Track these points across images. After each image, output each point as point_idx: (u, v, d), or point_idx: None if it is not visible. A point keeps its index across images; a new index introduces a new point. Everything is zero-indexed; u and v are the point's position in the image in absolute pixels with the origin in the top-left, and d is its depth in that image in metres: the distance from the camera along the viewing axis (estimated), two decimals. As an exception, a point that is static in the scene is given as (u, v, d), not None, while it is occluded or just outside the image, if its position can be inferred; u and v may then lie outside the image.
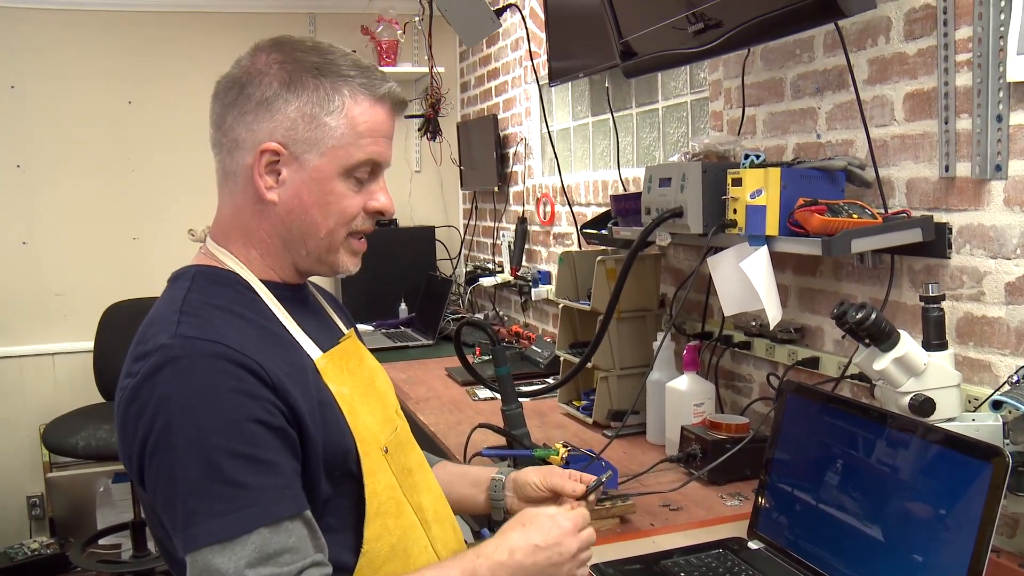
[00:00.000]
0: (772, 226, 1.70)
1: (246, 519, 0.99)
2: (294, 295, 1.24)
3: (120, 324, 3.86)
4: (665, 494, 1.79)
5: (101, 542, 3.88)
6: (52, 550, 3.84)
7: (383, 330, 4.03)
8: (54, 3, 4.01)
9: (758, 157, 1.80)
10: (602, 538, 1.59)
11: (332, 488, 1.12)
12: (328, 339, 1.24)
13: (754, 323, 2.12)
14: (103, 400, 3.81)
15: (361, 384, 1.23)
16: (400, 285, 4.27)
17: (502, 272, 3.91)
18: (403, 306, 4.23)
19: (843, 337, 1.80)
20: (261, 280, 1.19)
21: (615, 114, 2.90)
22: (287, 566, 1.00)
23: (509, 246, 3.81)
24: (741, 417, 1.95)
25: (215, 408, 1.01)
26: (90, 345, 3.92)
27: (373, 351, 1.41)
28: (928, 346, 1.43)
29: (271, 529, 1.00)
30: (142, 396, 1.04)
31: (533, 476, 1.47)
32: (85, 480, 4.01)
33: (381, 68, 4.09)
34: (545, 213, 3.47)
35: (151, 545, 3.77)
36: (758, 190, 1.72)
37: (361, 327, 3.96)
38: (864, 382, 1.75)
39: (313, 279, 1.32)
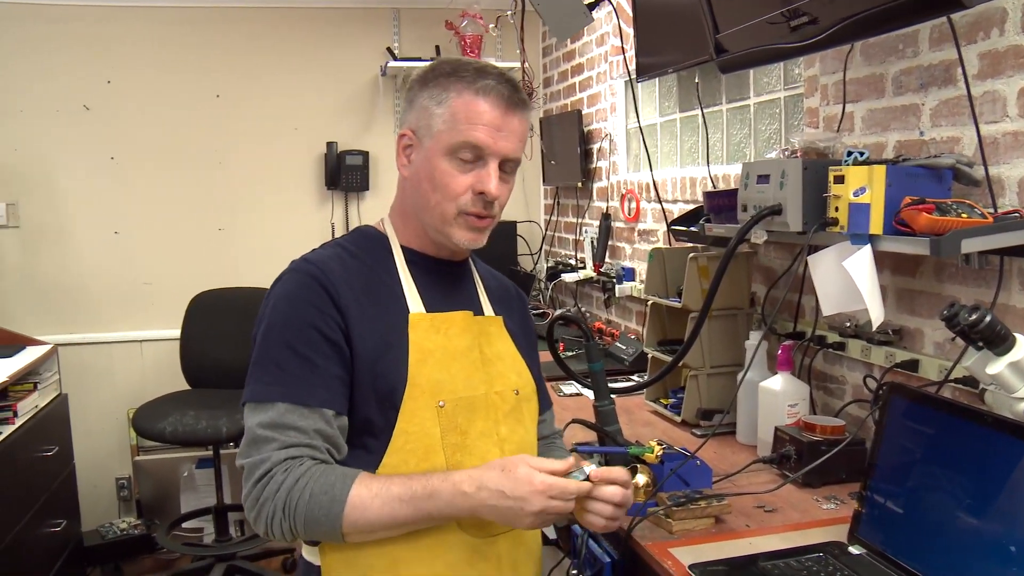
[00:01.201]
0: (876, 225, 1.67)
1: (273, 392, 1.29)
2: (427, 264, 1.46)
3: (205, 313, 3.95)
4: (760, 495, 1.77)
5: (184, 525, 3.99)
6: (139, 531, 3.96)
7: (465, 324, 4.05)
8: (148, 1, 4.13)
9: (862, 154, 1.77)
10: (697, 538, 1.59)
11: (378, 414, 1.33)
12: (446, 307, 1.45)
13: (849, 324, 2.08)
14: (188, 387, 3.92)
15: (450, 348, 1.41)
16: (481, 280, 4.28)
17: (584, 268, 3.90)
18: (484, 300, 4.24)
19: (953, 339, 1.76)
20: (402, 245, 1.46)
21: (705, 110, 2.86)
22: (288, 437, 1.27)
23: (592, 242, 3.80)
24: (836, 419, 1.91)
25: (288, 309, 1.33)
26: (177, 333, 4.03)
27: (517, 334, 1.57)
28: (1045, 351, 1.38)
29: (289, 407, 1.28)
30: (268, 292, 1.39)
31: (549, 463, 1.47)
32: (170, 464, 4.13)
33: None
34: (630, 209, 3.46)
35: (232, 530, 3.87)
36: (862, 188, 1.68)
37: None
38: (969, 386, 1.71)
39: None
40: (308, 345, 1.31)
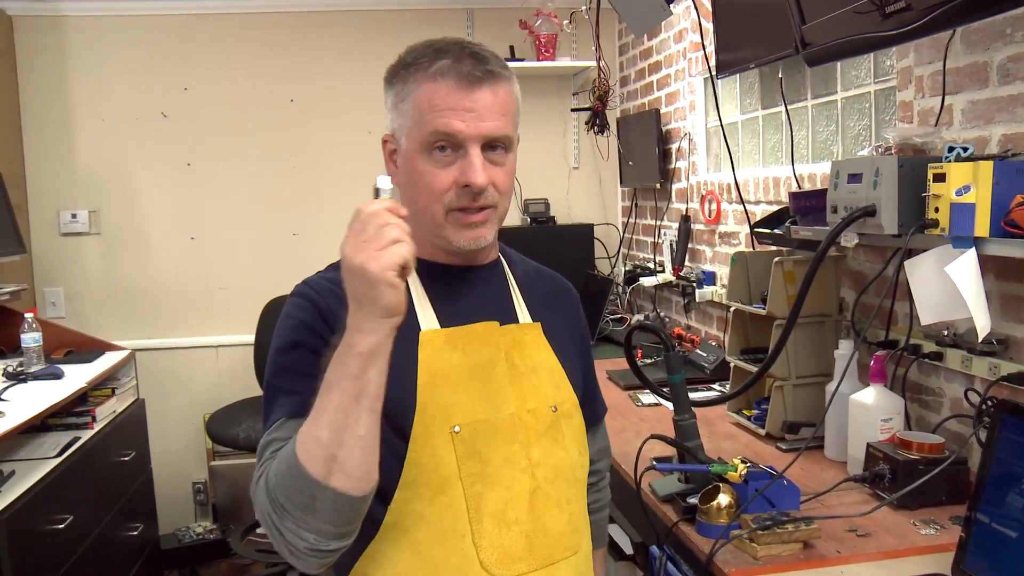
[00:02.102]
0: (981, 226, 1.54)
1: (274, 413, 1.24)
2: (441, 274, 1.34)
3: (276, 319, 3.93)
4: (852, 518, 1.65)
5: (259, 531, 3.99)
6: (215, 535, 3.99)
7: (540, 329, 3.97)
8: (223, 7, 4.17)
9: (965, 150, 1.63)
10: (784, 564, 1.48)
11: (387, 445, 1.18)
12: (467, 318, 1.32)
13: (947, 332, 1.94)
14: (263, 393, 3.92)
15: (468, 365, 1.29)
16: (558, 284, 4.19)
17: (663, 272, 3.78)
18: (560, 305, 4.16)
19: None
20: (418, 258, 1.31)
21: (789, 107, 2.73)
22: (278, 446, 1.18)
23: (671, 245, 3.68)
24: (935, 436, 1.78)
25: (284, 330, 1.28)
26: (251, 339, 4.05)
27: (559, 343, 1.43)
28: None
29: (287, 420, 1.21)
30: None
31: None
32: (246, 469, 4.13)
33: (539, 62, 4.10)
34: (710, 211, 3.33)
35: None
36: (965, 186, 1.55)
37: (519, 326, 3.88)
38: (1088, 403, 1.56)
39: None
40: (303, 364, 1.24)
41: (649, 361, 3.17)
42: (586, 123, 3.23)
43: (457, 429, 1.25)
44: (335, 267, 1.34)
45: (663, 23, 3.73)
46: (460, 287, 1.35)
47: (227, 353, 4.28)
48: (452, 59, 1.25)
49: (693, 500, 1.68)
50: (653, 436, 1.74)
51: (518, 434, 1.30)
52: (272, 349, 1.28)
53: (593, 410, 1.53)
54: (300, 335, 1.26)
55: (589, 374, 1.54)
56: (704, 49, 3.07)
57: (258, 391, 3.91)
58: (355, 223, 1.11)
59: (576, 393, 1.41)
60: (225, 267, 4.26)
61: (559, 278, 1.55)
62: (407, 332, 1.21)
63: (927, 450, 1.73)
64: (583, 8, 3.23)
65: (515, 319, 1.39)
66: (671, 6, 2.58)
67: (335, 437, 1.09)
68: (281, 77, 4.27)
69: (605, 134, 3.29)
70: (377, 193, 1.19)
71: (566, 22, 4.03)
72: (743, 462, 1.64)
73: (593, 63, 4.06)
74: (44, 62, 4.11)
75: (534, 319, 1.41)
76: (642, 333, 3.30)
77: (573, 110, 3.72)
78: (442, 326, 1.30)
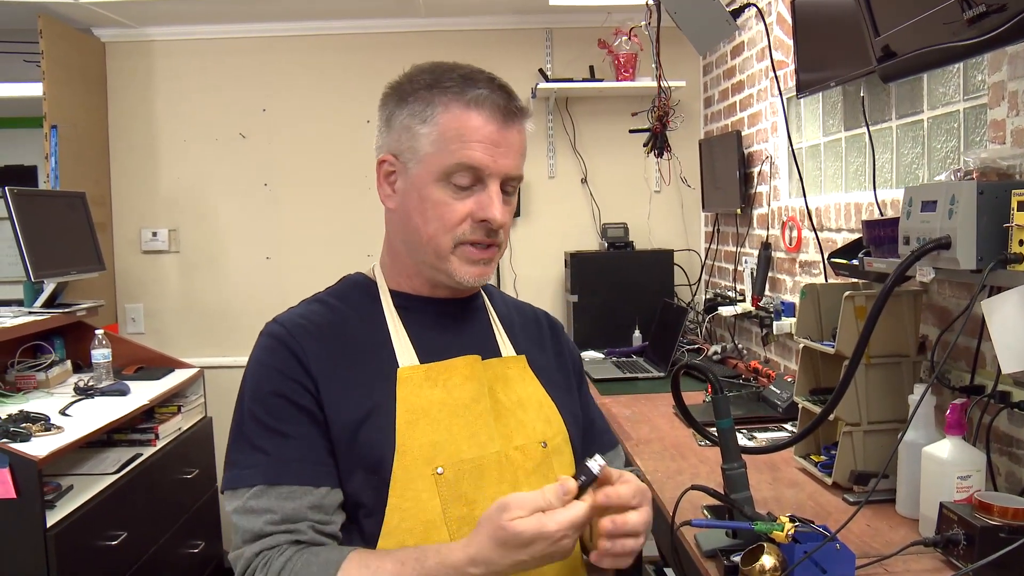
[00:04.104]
0: (1071, 263, 1.34)
1: (247, 475, 1.15)
2: (421, 306, 1.29)
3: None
4: (916, 590, 1.46)
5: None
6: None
7: (613, 358, 3.83)
8: (301, 30, 4.19)
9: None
10: (830, 642, 1.31)
11: (367, 490, 1.16)
12: (447, 353, 1.26)
13: (1041, 379, 1.72)
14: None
15: (451, 401, 1.22)
16: (635, 311, 4.05)
17: (743, 301, 3.59)
18: (637, 333, 4.02)
19: None
20: (392, 290, 1.30)
21: (871, 127, 2.53)
22: (261, 524, 1.12)
23: (751, 273, 3.50)
24: (1022, 499, 1.57)
25: (255, 379, 1.20)
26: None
27: (600, 381, 1.38)
28: None
29: (264, 488, 1.13)
30: None
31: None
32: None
33: (619, 83, 3.97)
34: (791, 239, 3.14)
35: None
36: (1052, 217, 1.36)
37: (591, 354, 3.79)
38: None
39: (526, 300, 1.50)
40: (277, 416, 1.18)
41: (732, 393, 2.98)
42: (644, 145, 3.08)
43: (440, 470, 1.18)
44: (309, 301, 1.33)
45: (746, 40, 3.58)
46: (440, 321, 1.31)
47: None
48: (487, 89, 1.21)
49: (736, 559, 1.51)
50: (694, 487, 1.59)
51: (506, 473, 1.23)
52: (244, 390, 1.23)
53: (600, 443, 1.45)
54: (274, 383, 1.20)
55: (588, 404, 1.46)
56: (781, 69, 2.90)
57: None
58: (546, 530, 1.03)
59: (570, 425, 1.34)
60: (299, 287, 4.15)
61: (539, 309, 1.51)
62: (384, 369, 1.21)
63: (1011, 516, 1.51)
64: (643, 24, 3.09)
65: (498, 353, 1.34)
66: (737, 20, 2.42)
67: None
68: (357, 98, 4.26)
69: (667, 157, 3.12)
70: (581, 474, 1.08)
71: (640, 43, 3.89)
72: (791, 520, 1.47)
73: (677, 83, 3.92)
74: (132, 86, 4.23)
75: (518, 352, 1.36)
76: (718, 365, 3.13)
77: (631, 131, 3.58)
78: (421, 362, 1.25)
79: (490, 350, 1.33)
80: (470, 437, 1.22)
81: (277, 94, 4.24)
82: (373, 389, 1.19)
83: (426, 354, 1.25)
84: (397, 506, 1.17)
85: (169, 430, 3.27)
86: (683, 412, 1.83)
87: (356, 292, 1.31)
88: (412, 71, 1.27)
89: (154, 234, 4.25)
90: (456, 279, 1.25)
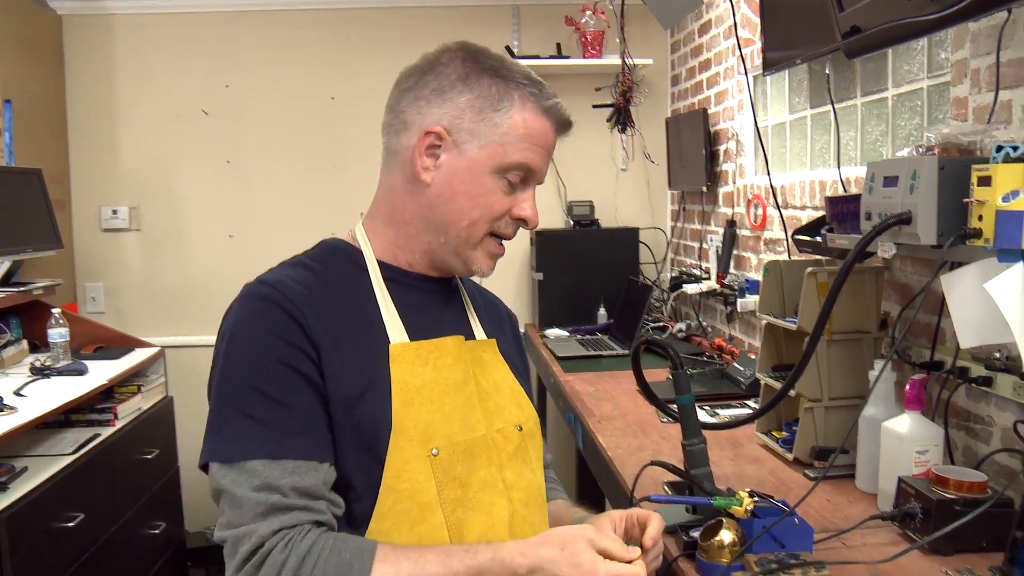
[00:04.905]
0: (1030, 238, 1.35)
1: (243, 447, 1.06)
2: (412, 282, 1.26)
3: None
4: (874, 564, 1.46)
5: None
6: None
7: (578, 336, 3.82)
8: (266, 4, 4.12)
9: (1015, 149, 1.44)
10: (788, 616, 1.31)
11: (359, 469, 1.12)
12: (433, 333, 1.23)
13: (998, 355, 1.73)
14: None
15: (441, 382, 1.20)
16: (600, 289, 4.05)
17: (708, 279, 3.60)
18: (602, 311, 4.01)
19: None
20: (380, 260, 1.24)
21: (836, 105, 2.53)
22: (273, 499, 1.04)
23: (717, 251, 3.50)
24: (977, 472, 1.58)
25: (250, 344, 1.11)
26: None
27: (564, 359, 1.39)
28: None
29: (267, 463, 1.05)
30: (222, 325, 1.18)
31: (615, 516, 1.27)
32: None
33: (585, 60, 3.96)
34: (756, 216, 3.14)
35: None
36: (1014, 192, 1.36)
37: (556, 332, 3.78)
38: None
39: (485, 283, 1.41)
40: (278, 385, 1.09)
41: (696, 370, 2.99)
42: (608, 120, 3.06)
43: (435, 452, 1.15)
44: (290, 264, 1.25)
45: (713, 18, 3.56)
46: (427, 299, 1.28)
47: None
48: (557, 100, 1.24)
49: (695, 534, 1.51)
50: (654, 463, 1.58)
51: (492, 456, 1.22)
52: (233, 357, 1.12)
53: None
54: (275, 350, 1.10)
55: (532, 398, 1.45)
56: (747, 46, 2.89)
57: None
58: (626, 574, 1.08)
59: (535, 413, 1.34)
60: (264, 265, 4.07)
61: (497, 298, 1.51)
62: (376, 344, 1.16)
63: (966, 489, 1.53)
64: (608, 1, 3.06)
65: (473, 335, 1.32)
66: (703, -6, 2.39)
67: None
68: (322, 74, 4.20)
69: (629, 132, 3.11)
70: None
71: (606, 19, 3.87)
72: (750, 495, 1.47)
73: (644, 61, 3.90)
74: (90, 60, 4.13)
75: (488, 336, 1.35)
76: (678, 343, 3.13)
77: (594, 106, 3.56)
78: (411, 339, 1.21)
79: (467, 333, 1.31)
80: (461, 419, 1.20)
81: (240, 70, 4.16)
82: (367, 364, 1.14)
83: (414, 331, 1.21)
84: (392, 487, 1.12)
85: (128, 410, 3.21)
86: (643, 388, 1.83)
87: (339, 259, 1.25)
88: (469, 52, 1.23)
89: (114, 212, 4.16)
90: (472, 267, 1.25)
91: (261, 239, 4.21)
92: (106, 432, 3.01)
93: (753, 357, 2.85)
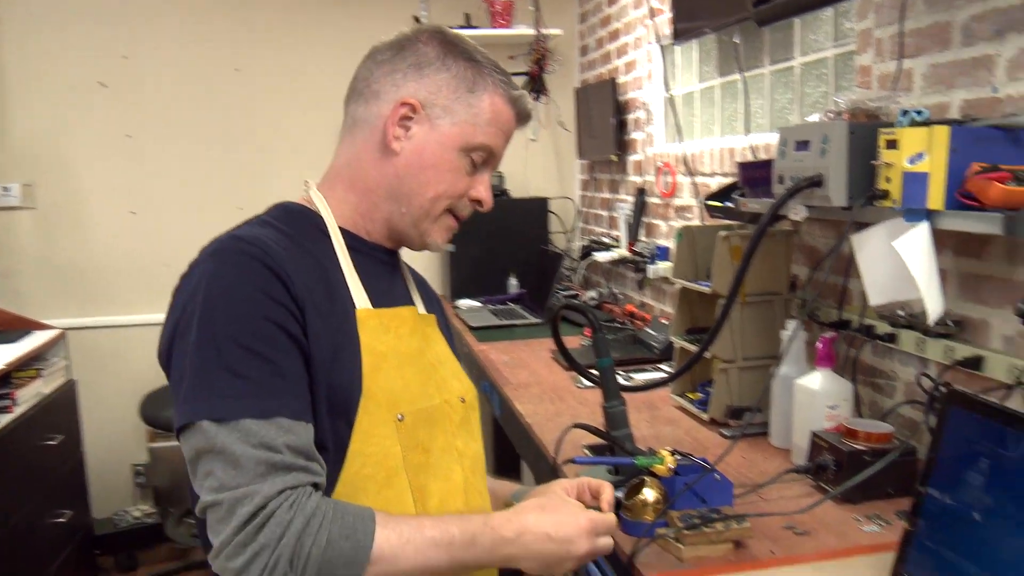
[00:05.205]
0: (936, 198, 1.40)
1: (235, 406, 1.02)
2: (369, 251, 1.27)
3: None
4: (790, 515, 1.52)
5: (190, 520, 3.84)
6: (153, 519, 3.82)
7: (490, 306, 3.82)
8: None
9: (919, 114, 1.49)
10: (714, 568, 1.35)
11: (329, 431, 1.11)
12: (389, 302, 1.25)
13: (902, 313, 1.80)
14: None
15: (403, 350, 1.21)
16: (511, 259, 4.05)
17: (618, 247, 3.64)
18: (513, 281, 4.03)
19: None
20: (340, 227, 1.24)
21: (746, 74, 2.58)
22: (275, 458, 1.01)
23: (627, 219, 3.54)
24: (884, 424, 1.65)
25: (234, 300, 1.07)
26: (196, 316, 3.86)
27: (478, 329, 1.39)
28: None
29: (259, 423, 1.02)
30: (184, 284, 1.13)
31: (565, 483, 1.32)
32: (185, 451, 3.97)
33: (495, 30, 3.93)
34: (666, 184, 3.19)
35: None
36: (919, 154, 1.41)
37: (468, 303, 3.77)
38: (1046, 392, 1.44)
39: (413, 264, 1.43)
40: (267, 343, 1.06)
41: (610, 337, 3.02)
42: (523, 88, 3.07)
43: (401, 417, 1.17)
44: (257, 224, 1.21)
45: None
46: (382, 270, 1.30)
47: (170, 332, 4.08)
48: (523, 92, 1.30)
49: (619, 494, 1.53)
50: (577, 425, 1.60)
51: (447, 424, 1.25)
52: (214, 315, 1.06)
53: None
54: (263, 307, 1.07)
55: None
56: (657, 16, 2.92)
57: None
58: (605, 520, 1.19)
59: (473, 387, 1.37)
60: (168, 243, 4.02)
61: (423, 277, 1.53)
62: (344, 308, 1.17)
63: (874, 440, 1.60)
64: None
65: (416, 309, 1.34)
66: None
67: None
68: (226, 46, 4.05)
69: (543, 100, 3.11)
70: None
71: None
72: (672, 453, 1.50)
73: (553, 31, 3.90)
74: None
75: (428, 311, 1.39)
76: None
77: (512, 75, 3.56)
78: (373, 306, 1.22)
79: (408, 302, 1.34)
80: (420, 386, 1.22)
81: (139, 40, 3.96)
82: (339, 328, 1.14)
83: (375, 299, 1.22)
84: (360, 451, 1.13)
85: (28, 395, 3.07)
86: (563, 353, 1.84)
87: (303, 222, 1.23)
88: (450, 37, 1.28)
89: (5, 189, 3.94)
90: (428, 241, 1.27)
91: (166, 216, 4.04)
92: (6, 419, 2.88)
93: (665, 322, 2.91)
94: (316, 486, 1.05)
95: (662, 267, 3.13)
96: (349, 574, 1.00)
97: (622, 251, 3.54)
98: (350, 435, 1.12)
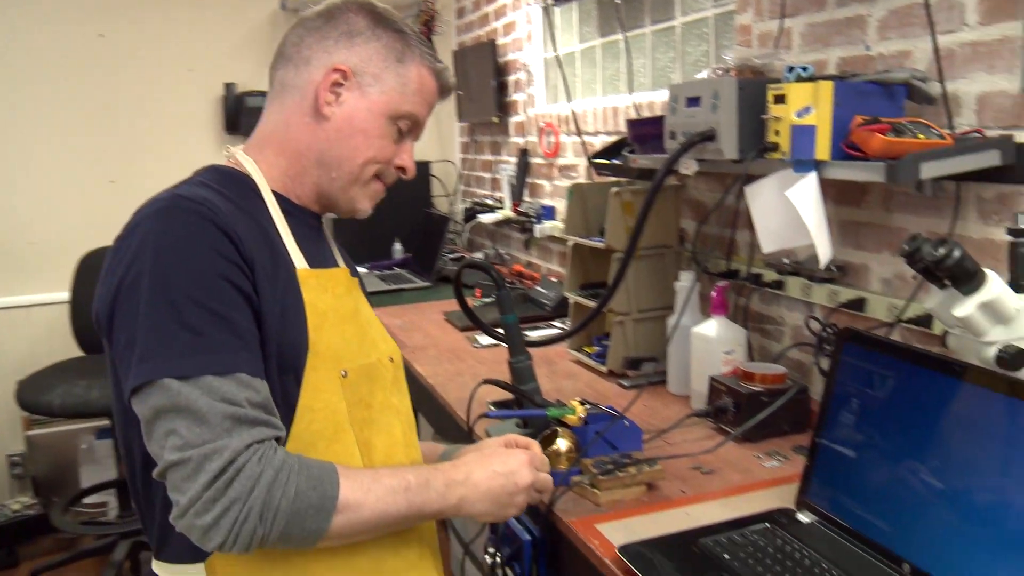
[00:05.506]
0: (823, 149, 1.48)
1: (193, 363, 1.02)
2: (300, 215, 1.27)
3: (97, 273, 3.55)
4: (697, 456, 1.59)
5: (85, 501, 3.67)
6: (35, 511, 3.65)
7: (377, 272, 3.80)
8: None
9: (805, 70, 1.56)
10: (628, 509, 1.40)
11: (277, 389, 1.12)
12: (321, 264, 1.26)
13: (787, 260, 1.90)
14: (82, 354, 3.58)
15: (340, 309, 1.23)
16: (394, 224, 4.03)
17: (502, 208, 3.67)
18: (398, 246, 4.01)
19: (914, 276, 1.58)
20: (273, 191, 1.24)
21: (627, 34, 2.63)
22: (241, 412, 1.02)
23: (510, 181, 3.57)
24: (777, 366, 1.74)
25: (187, 258, 1.06)
26: (67, 296, 3.67)
27: (369, 295, 1.41)
28: (1017, 288, 1.21)
29: (219, 380, 1.02)
30: (125, 244, 1.10)
31: (492, 442, 1.37)
32: (67, 437, 3.78)
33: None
34: (549, 144, 3.23)
35: (138, 503, 3.59)
36: (806, 108, 1.48)
37: (353, 269, 3.71)
38: (923, 327, 1.55)
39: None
40: (222, 300, 1.06)
41: (488, 301, 3.05)
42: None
43: (345, 373, 1.19)
44: (193, 184, 1.17)
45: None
46: (311, 233, 1.30)
47: (40, 313, 3.85)
48: (446, 66, 1.33)
49: (532, 443, 1.57)
50: (486, 381, 1.63)
51: (383, 381, 1.28)
52: (166, 273, 1.04)
53: None
54: (216, 265, 1.06)
55: None
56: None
57: (77, 351, 3.57)
58: (538, 455, 1.28)
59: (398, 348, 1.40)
60: (35, 220, 3.80)
61: None
62: (286, 268, 1.17)
63: (770, 381, 1.69)
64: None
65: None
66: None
67: (367, 534, 1.11)
68: (89, 11, 3.82)
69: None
70: None
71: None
72: (582, 403, 1.54)
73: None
74: None
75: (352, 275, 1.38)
76: (477, 272, 3.19)
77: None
78: (310, 267, 1.23)
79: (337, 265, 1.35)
80: (359, 344, 1.23)
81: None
82: (284, 287, 1.15)
83: (309, 261, 1.22)
84: (309, 406, 1.14)
85: None
86: (466, 311, 1.86)
87: (238, 184, 1.22)
88: (381, 9, 1.29)
89: None
90: (354, 207, 1.29)
91: (30, 190, 3.79)
92: None
93: (554, 280, 2.96)
94: (278, 440, 1.06)
95: (548, 226, 3.18)
96: (316, 524, 1.03)
97: (507, 212, 3.57)
98: (299, 391, 1.13)
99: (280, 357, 1.12)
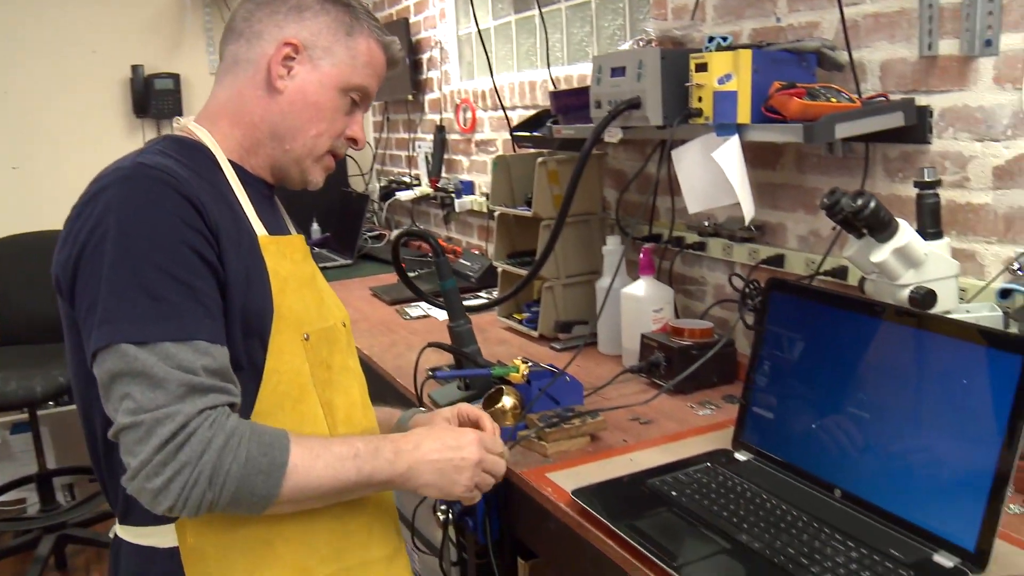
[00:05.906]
0: (743, 113, 1.57)
1: (154, 329, 1.03)
2: (255, 184, 1.28)
3: (5, 262, 3.45)
4: (634, 407, 1.68)
5: (3, 498, 3.58)
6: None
7: (295, 251, 3.78)
8: None
9: (724, 40, 1.65)
10: (575, 459, 1.48)
11: (243, 353, 1.14)
12: (277, 232, 1.27)
13: (708, 223, 2.00)
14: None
15: (299, 275, 1.26)
16: (311, 204, 4.01)
17: (420, 185, 3.70)
18: (315, 226, 4.00)
19: (833, 227, 1.68)
20: (229, 160, 1.25)
21: (543, 9, 2.70)
22: (194, 379, 1.03)
23: (427, 157, 3.60)
24: (704, 321, 1.84)
25: (151, 225, 1.07)
26: (-27, 286, 3.57)
27: None
28: (924, 235, 1.33)
29: (178, 345, 1.04)
30: (87, 209, 1.09)
31: (445, 412, 1.42)
32: (-24, 427, 3.69)
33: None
34: (465, 120, 3.27)
35: (60, 496, 3.51)
36: (727, 75, 1.57)
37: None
38: (839, 278, 1.67)
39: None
40: (185, 267, 1.07)
41: (413, 274, 3.09)
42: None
43: (307, 336, 1.22)
44: (152, 153, 1.17)
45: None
46: (266, 203, 1.32)
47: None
48: (394, 39, 1.36)
49: (476, 405, 1.63)
50: (430, 344, 1.68)
51: (340, 344, 1.31)
52: (129, 239, 1.05)
53: None
54: (181, 233, 1.07)
55: None
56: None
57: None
58: (488, 435, 1.30)
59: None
60: None
61: None
62: (247, 235, 1.19)
63: (698, 335, 1.78)
64: None
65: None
66: None
67: (317, 500, 1.12)
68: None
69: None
70: None
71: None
72: (524, 362, 1.61)
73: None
74: None
75: None
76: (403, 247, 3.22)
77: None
78: (269, 234, 1.26)
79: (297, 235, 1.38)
80: (318, 308, 1.26)
81: None
82: (248, 253, 1.16)
83: (267, 228, 1.24)
84: (275, 368, 1.17)
85: None
86: (404, 280, 1.91)
87: (196, 153, 1.23)
88: None
89: None
90: (308, 179, 1.31)
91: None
92: None
93: (477, 252, 3.02)
94: (232, 406, 1.08)
95: (468, 200, 3.23)
96: (266, 489, 1.05)
97: (424, 189, 3.61)
98: (265, 355, 1.16)
99: (246, 322, 1.14)
